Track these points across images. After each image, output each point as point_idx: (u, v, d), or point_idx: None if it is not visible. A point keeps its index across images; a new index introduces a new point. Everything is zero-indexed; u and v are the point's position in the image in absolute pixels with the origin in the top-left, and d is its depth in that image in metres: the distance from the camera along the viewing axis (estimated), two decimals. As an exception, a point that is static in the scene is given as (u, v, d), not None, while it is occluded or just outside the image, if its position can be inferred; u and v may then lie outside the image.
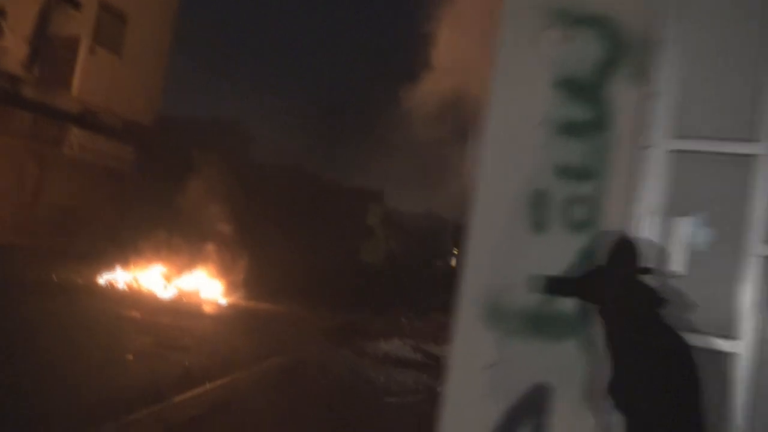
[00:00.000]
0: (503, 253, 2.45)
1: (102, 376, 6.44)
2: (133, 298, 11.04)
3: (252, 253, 15.48)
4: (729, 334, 2.27)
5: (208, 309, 11.78)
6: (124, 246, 12.26)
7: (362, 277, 20.53)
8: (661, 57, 2.37)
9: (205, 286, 12.63)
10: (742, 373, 2.25)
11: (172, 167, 16.17)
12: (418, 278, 25.00)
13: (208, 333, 10.02)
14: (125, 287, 11.47)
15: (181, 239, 13.93)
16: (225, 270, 13.68)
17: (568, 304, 2.36)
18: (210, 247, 14.54)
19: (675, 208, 2.35)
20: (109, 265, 12.00)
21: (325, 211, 21.89)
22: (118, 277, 11.37)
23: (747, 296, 2.25)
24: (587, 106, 2.40)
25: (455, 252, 36.87)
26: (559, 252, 2.39)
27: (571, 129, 2.41)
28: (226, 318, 11.36)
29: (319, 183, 24.16)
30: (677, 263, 2.32)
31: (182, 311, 10.92)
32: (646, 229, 2.33)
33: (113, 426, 5.24)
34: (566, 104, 2.42)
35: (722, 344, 2.27)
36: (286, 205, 19.78)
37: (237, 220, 17.23)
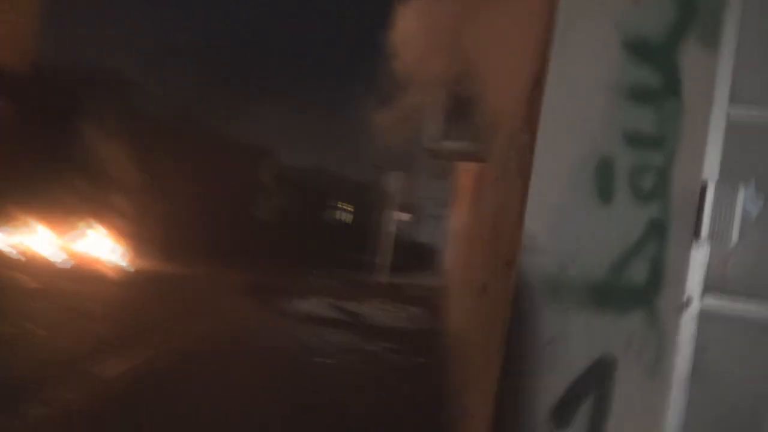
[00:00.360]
0: (566, 223, 2.33)
1: (14, 353, 5.78)
2: (24, 263, 10.00)
3: (147, 210, 14.51)
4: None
5: (109, 272, 10.93)
6: (5, 205, 11.02)
7: (261, 235, 19.99)
8: (726, 20, 2.30)
9: (101, 247, 11.69)
10: (793, 339, 2.31)
11: (52, 119, 14.66)
12: (315, 235, 24.80)
13: (115, 299, 9.30)
14: (13, 250, 10.35)
15: (68, 196, 12.76)
16: (121, 229, 12.72)
17: (635, 276, 2.29)
18: (100, 206, 13.45)
19: (732, 176, 2.34)
20: (-10, 227, 10.79)
21: (216, 166, 20.95)
22: (3, 240, 10.23)
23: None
24: (658, 70, 2.30)
25: (347, 208, 37.02)
26: (627, 223, 2.31)
27: (640, 94, 2.30)
28: (131, 281, 10.61)
29: (209, 135, 22.99)
30: (735, 231, 2.32)
31: (81, 276, 10.04)
32: (708, 197, 2.30)
33: (37, 405, 4.75)
34: (636, 67, 2.31)
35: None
36: (175, 159, 18.71)
37: (126, 175, 16.04)
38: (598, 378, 2.31)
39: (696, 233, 2.31)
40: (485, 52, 3.11)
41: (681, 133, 2.29)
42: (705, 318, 2.34)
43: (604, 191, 2.33)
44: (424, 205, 22.20)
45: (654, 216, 2.30)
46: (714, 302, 2.40)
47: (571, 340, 2.33)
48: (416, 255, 19.30)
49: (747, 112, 2.40)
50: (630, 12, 2.32)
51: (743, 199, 2.34)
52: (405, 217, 21.19)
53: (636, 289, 2.30)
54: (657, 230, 2.30)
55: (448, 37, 4.60)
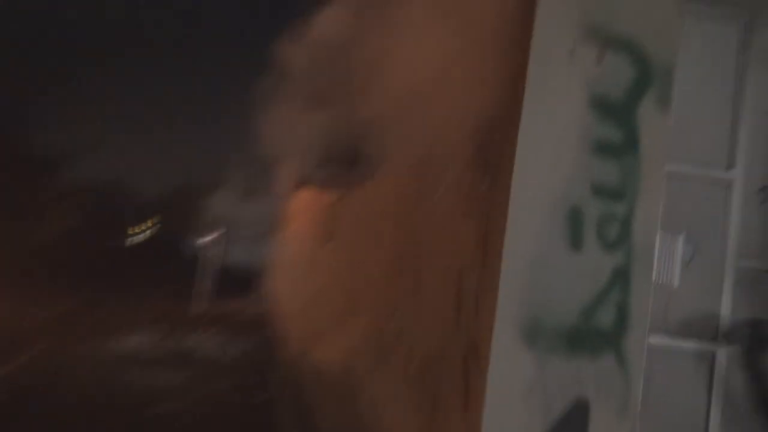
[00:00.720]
0: (540, 270, 2.39)
1: None
2: None
3: None
4: (713, 338, 2.61)
5: None
6: None
7: (54, 262, 17.80)
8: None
9: None
10: (720, 374, 2.62)
11: None
12: (119, 260, 22.71)
13: None
14: None
15: None
16: None
17: (604, 320, 2.42)
18: None
19: (671, 226, 2.60)
20: None
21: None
22: None
23: (726, 304, 2.62)
24: (619, 127, 2.47)
25: (141, 231, 34.27)
26: (595, 270, 2.43)
27: (604, 148, 2.45)
28: None
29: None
30: (676, 276, 2.57)
31: None
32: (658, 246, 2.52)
33: None
34: (600, 123, 2.45)
35: (705, 347, 2.61)
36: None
37: None
38: (574, 421, 2.39)
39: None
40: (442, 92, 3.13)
41: (640, 186, 2.48)
42: (650, 353, 2.55)
43: (575, 240, 2.43)
44: (243, 228, 21.42)
45: (619, 263, 2.46)
46: (658, 340, 2.62)
47: (548, 385, 2.38)
48: (240, 280, 18.53)
49: (678, 167, 2.68)
50: (594, 72, 2.47)
51: (681, 247, 2.61)
52: (218, 239, 20.28)
53: (605, 332, 2.42)
54: (622, 276, 2.45)
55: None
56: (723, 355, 2.66)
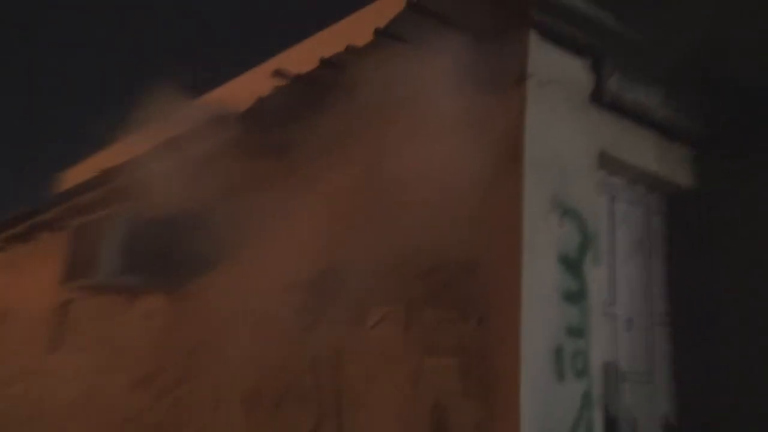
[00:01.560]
0: (536, 402, 2.82)
1: None
2: None
3: None
4: None
5: None
6: None
7: None
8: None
9: None
10: None
11: None
12: None
13: None
14: None
15: None
16: None
17: (582, 440, 2.93)
18: None
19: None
20: None
21: None
22: None
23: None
24: (577, 278, 3.12)
25: None
26: (572, 397, 2.96)
27: (570, 296, 3.07)
28: None
29: None
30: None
31: None
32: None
33: None
34: (565, 276, 3.08)
35: None
36: None
37: None
38: None
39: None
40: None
41: (591, 326, 3.14)
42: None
43: (559, 373, 2.94)
44: None
45: (586, 389, 3.03)
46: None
47: None
48: None
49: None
50: (560, 234, 3.11)
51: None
52: None
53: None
54: (588, 400, 3.03)
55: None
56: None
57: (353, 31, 4.08)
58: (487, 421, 2.85)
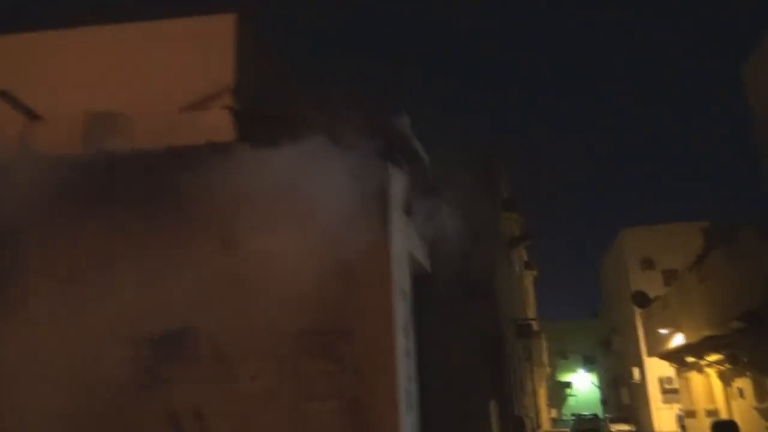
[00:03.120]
0: (403, 427, 4.01)
1: None
2: None
3: None
4: None
5: None
6: None
7: None
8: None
9: None
10: None
11: None
12: None
13: None
14: None
15: None
16: None
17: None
18: None
19: None
20: None
21: None
22: None
23: None
24: (409, 342, 4.42)
25: None
26: (413, 423, 4.21)
27: (408, 353, 4.35)
28: None
29: None
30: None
31: None
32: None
33: None
34: (405, 340, 4.35)
35: None
36: None
37: None
38: None
39: None
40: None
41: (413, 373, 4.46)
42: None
43: (408, 407, 4.16)
44: None
45: (414, 416, 4.31)
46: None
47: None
48: None
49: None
50: (402, 309, 4.38)
51: None
52: None
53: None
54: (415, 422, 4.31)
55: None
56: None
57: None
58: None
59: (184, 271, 4.33)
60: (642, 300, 28.43)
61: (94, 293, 4.33)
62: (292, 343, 4.14)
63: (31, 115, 5.19)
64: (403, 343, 4.32)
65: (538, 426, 20.90)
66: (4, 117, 5.11)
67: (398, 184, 4.60)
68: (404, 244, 4.75)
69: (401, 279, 4.49)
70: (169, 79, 5.11)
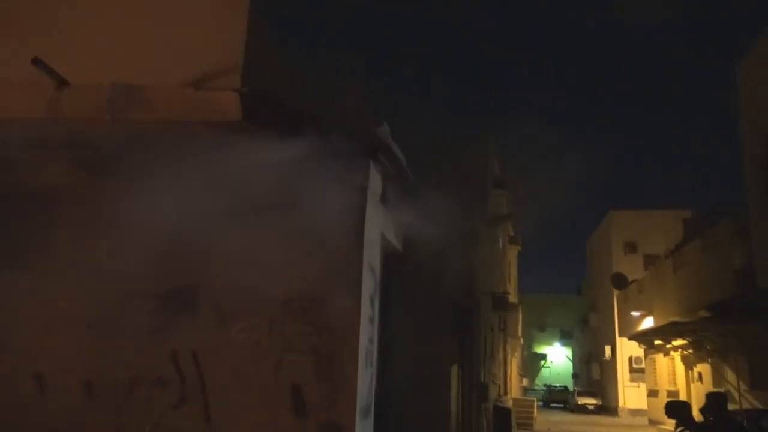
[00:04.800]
0: (361, 380, 4.92)
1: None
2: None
3: None
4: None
5: None
6: None
7: None
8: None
9: None
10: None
11: None
12: None
13: None
14: None
15: None
16: None
17: None
18: None
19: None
20: None
21: None
22: None
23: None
24: (372, 309, 5.31)
25: None
26: (370, 378, 5.13)
27: (371, 320, 5.25)
28: None
29: None
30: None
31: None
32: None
33: None
34: (369, 308, 5.24)
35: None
36: None
37: None
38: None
39: None
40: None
41: (375, 337, 5.36)
42: None
43: (367, 364, 5.07)
44: None
45: (372, 372, 5.23)
46: None
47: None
48: None
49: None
50: (369, 281, 5.26)
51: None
52: None
53: None
54: (372, 378, 5.23)
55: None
56: None
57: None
58: (333, 396, 4.77)
59: (194, 238, 5.15)
60: (620, 282, 29.64)
61: (115, 251, 5.18)
62: (279, 307, 5.01)
63: (62, 82, 5.42)
64: (369, 311, 5.22)
65: (505, 393, 22.16)
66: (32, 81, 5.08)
67: (376, 179, 5.42)
68: (376, 229, 5.60)
69: (371, 258, 5.36)
70: (180, 54, 5.29)
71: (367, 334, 5.16)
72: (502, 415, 16.65)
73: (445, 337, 8.97)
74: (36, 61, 5.06)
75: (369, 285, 5.26)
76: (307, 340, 4.94)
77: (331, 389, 4.83)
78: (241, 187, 5.13)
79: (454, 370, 10.17)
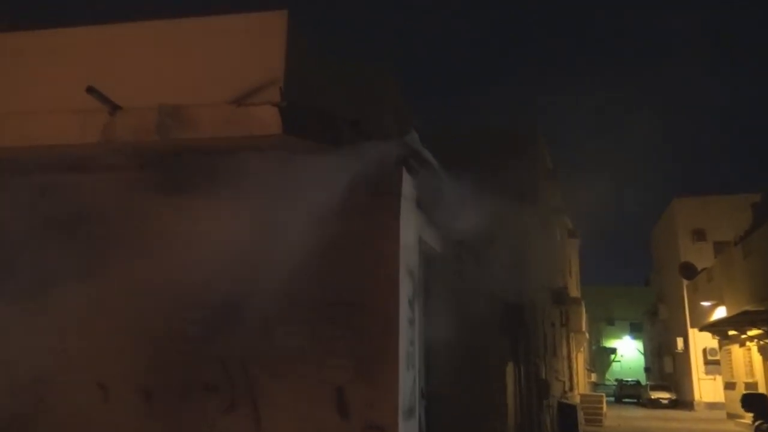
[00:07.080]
0: (403, 381, 5.04)
1: None
2: None
3: None
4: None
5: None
6: None
7: None
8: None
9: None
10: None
11: None
12: None
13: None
14: None
15: None
16: None
17: None
18: None
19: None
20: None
21: None
22: None
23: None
24: (412, 312, 5.42)
25: None
26: (413, 379, 5.24)
27: (411, 322, 5.36)
28: None
29: None
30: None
31: None
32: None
33: None
34: (409, 311, 5.36)
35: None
36: None
37: None
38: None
39: None
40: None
41: (416, 340, 5.47)
42: None
43: (409, 366, 5.18)
44: None
45: (414, 375, 5.34)
46: None
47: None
48: None
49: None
50: (408, 285, 5.37)
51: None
52: None
53: None
54: (415, 380, 5.34)
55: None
56: None
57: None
58: (375, 397, 4.91)
59: (240, 249, 5.39)
60: (688, 271, 28.62)
61: (168, 265, 5.48)
62: (320, 313, 5.20)
63: (115, 107, 5.83)
64: (408, 314, 5.33)
65: (571, 389, 21.79)
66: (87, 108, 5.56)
67: (409, 184, 5.53)
68: (413, 233, 5.71)
69: (409, 261, 5.47)
70: (222, 74, 5.60)
71: (408, 336, 5.28)
72: (568, 411, 16.40)
73: (493, 335, 8.97)
74: (90, 90, 5.50)
75: (407, 288, 5.37)
76: (348, 344, 5.10)
77: (373, 391, 4.96)
78: (283, 199, 5.33)
79: (509, 368, 10.14)
